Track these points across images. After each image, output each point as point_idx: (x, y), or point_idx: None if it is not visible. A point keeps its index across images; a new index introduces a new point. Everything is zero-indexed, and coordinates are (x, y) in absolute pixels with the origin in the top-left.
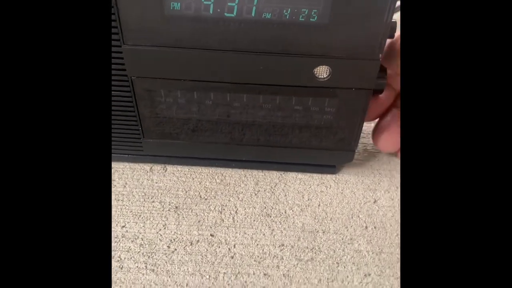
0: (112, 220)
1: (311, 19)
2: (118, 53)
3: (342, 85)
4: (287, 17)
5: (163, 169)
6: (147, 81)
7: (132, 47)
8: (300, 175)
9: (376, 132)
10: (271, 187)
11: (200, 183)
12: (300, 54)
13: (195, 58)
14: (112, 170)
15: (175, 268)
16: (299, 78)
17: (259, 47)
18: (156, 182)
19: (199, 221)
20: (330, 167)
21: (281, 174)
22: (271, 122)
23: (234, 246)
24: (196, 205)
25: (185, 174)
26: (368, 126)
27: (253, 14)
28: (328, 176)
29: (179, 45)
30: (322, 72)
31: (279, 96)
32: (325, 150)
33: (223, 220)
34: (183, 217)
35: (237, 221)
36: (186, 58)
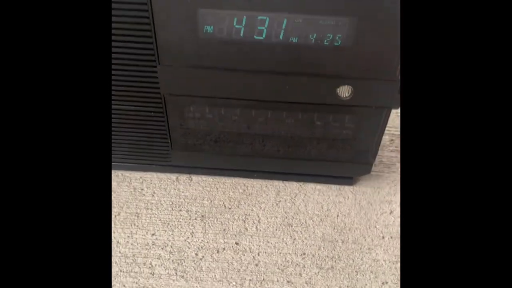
0: (142, 228)
1: (335, 43)
2: (153, 72)
3: (363, 103)
4: (313, 41)
5: (189, 179)
6: (179, 99)
7: (166, 67)
8: (319, 186)
9: None
10: (292, 197)
11: (224, 193)
12: (324, 75)
13: (225, 78)
14: (141, 179)
15: (203, 275)
16: (323, 97)
17: (285, 69)
18: (183, 192)
19: (224, 230)
20: (348, 179)
21: (300, 185)
22: (291, 135)
23: (258, 254)
24: (221, 214)
25: (209, 184)
26: (384, 139)
27: (280, 38)
28: (346, 187)
29: (211, 66)
30: (345, 91)
31: (301, 113)
32: (343, 162)
33: (246, 229)
34: (209, 225)
35: (260, 230)
36: (217, 78)
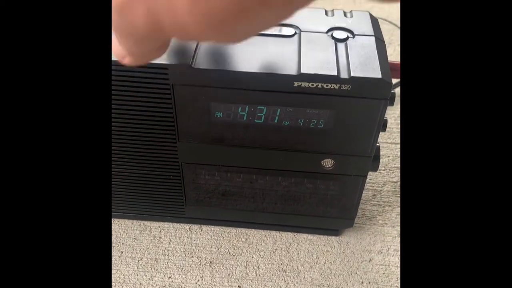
0: (161, 271)
1: (319, 126)
2: (173, 147)
3: (342, 172)
4: (301, 124)
5: (200, 228)
6: (194, 166)
7: (184, 143)
8: (310, 236)
9: None
10: (287, 246)
11: (229, 241)
12: (310, 150)
13: (231, 151)
14: (159, 228)
15: None
16: (310, 167)
17: (280, 145)
18: (194, 240)
19: (229, 274)
20: (334, 230)
21: (294, 235)
22: (286, 195)
23: None
24: (226, 260)
25: (217, 233)
26: (366, 194)
27: (275, 121)
28: (333, 238)
29: (220, 142)
30: (328, 163)
31: (294, 178)
32: (330, 218)
33: (247, 274)
34: (216, 270)
35: (259, 275)
36: (224, 151)
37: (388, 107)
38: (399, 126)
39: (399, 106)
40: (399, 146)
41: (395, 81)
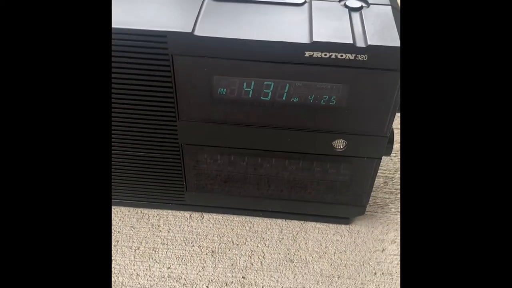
0: (159, 261)
1: (330, 103)
2: (173, 126)
3: (355, 154)
4: (311, 101)
5: (201, 216)
6: (194, 148)
7: (185, 122)
8: (318, 225)
9: None
10: (293, 235)
11: (232, 230)
12: (321, 130)
13: (235, 131)
14: (157, 216)
15: None
16: (320, 148)
17: (287, 124)
18: (195, 228)
19: (232, 264)
20: (344, 219)
21: (301, 223)
22: (294, 179)
23: None
24: (229, 250)
25: (219, 221)
26: (377, 181)
27: (283, 99)
28: (343, 226)
29: (223, 121)
30: (339, 144)
31: (302, 161)
32: (340, 204)
33: (252, 264)
34: (219, 260)
35: (265, 265)
36: (228, 131)
37: None
38: None
39: None
40: None
41: None
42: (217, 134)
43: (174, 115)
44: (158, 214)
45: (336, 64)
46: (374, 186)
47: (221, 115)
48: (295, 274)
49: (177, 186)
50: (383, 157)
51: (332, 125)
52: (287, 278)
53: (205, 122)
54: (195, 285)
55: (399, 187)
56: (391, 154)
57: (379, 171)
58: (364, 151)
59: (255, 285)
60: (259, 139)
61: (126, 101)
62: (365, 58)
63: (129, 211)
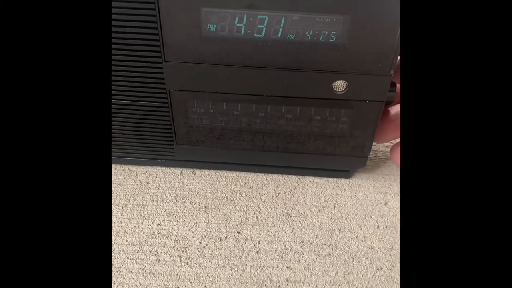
0: (148, 218)
1: (330, 40)
2: (159, 69)
3: (357, 97)
4: (309, 38)
5: (192, 173)
6: (183, 94)
7: (172, 63)
8: (316, 179)
9: (395, 150)
10: (291, 190)
11: (226, 186)
12: (320, 70)
13: (226, 74)
14: (146, 173)
15: (206, 261)
16: (319, 91)
17: (284, 64)
18: (187, 185)
19: (226, 220)
20: (344, 172)
21: (299, 178)
22: (291, 131)
23: (259, 242)
24: (223, 206)
25: (212, 178)
26: None
27: (279, 35)
28: (343, 180)
29: (214, 62)
30: (340, 86)
31: (299, 107)
32: (340, 156)
33: (248, 219)
34: (212, 216)
35: (261, 220)
36: (219, 74)
37: None
38: None
39: None
40: None
41: None
42: (207, 77)
43: (160, 56)
44: (146, 171)
45: None
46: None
47: (211, 56)
48: (293, 228)
49: (166, 139)
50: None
51: (331, 64)
52: (285, 232)
53: (194, 63)
54: (187, 241)
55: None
56: None
57: None
58: (366, 93)
59: (251, 240)
60: (253, 82)
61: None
62: None
63: (115, 169)
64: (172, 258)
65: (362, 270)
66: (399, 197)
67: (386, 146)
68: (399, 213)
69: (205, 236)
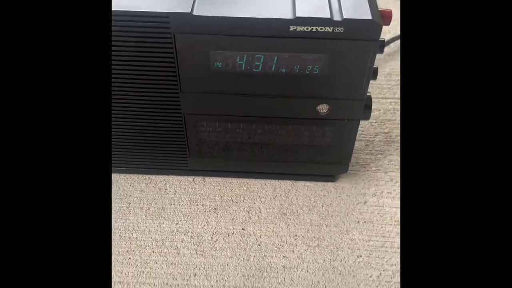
0: (168, 219)
1: (314, 72)
2: (176, 97)
3: (337, 117)
4: (297, 71)
5: (203, 180)
6: (195, 117)
7: (186, 93)
8: (307, 183)
9: None
10: (286, 193)
11: (231, 190)
12: (306, 96)
13: (231, 100)
14: (164, 181)
15: (217, 253)
16: (306, 113)
17: (277, 92)
18: (198, 190)
19: (232, 219)
20: (330, 177)
21: (292, 183)
22: (284, 143)
23: (260, 237)
24: (229, 207)
25: (219, 184)
26: (359, 144)
27: (273, 69)
28: (329, 184)
29: (220, 92)
30: (323, 108)
31: (291, 126)
32: (326, 164)
33: (250, 218)
34: (221, 215)
35: (261, 218)
36: (225, 100)
37: (379, 65)
38: (389, 82)
39: (389, 64)
40: (389, 100)
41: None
42: (215, 103)
43: (177, 88)
44: (164, 179)
45: (317, 36)
46: (356, 148)
47: (218, 86)
48: (288, 224)
49: (181, 152)
50: (365, 123)
51: (316, 92)
52: (281, 228)
53: (205, 93)
54: (201, 237)
55: (379, 149)
56: (371, 120)
57: (361, 135)
58: (344, 113)
59: (254, 235)
60: (252, 107)
61: (134, 76)
62: (342, 30)
63: (138, 178)
64: (189, 251)
65: (345, 257)
66: (375, 198)
67: (366, 154)
68: (375, 210)
69: (215, 232)
